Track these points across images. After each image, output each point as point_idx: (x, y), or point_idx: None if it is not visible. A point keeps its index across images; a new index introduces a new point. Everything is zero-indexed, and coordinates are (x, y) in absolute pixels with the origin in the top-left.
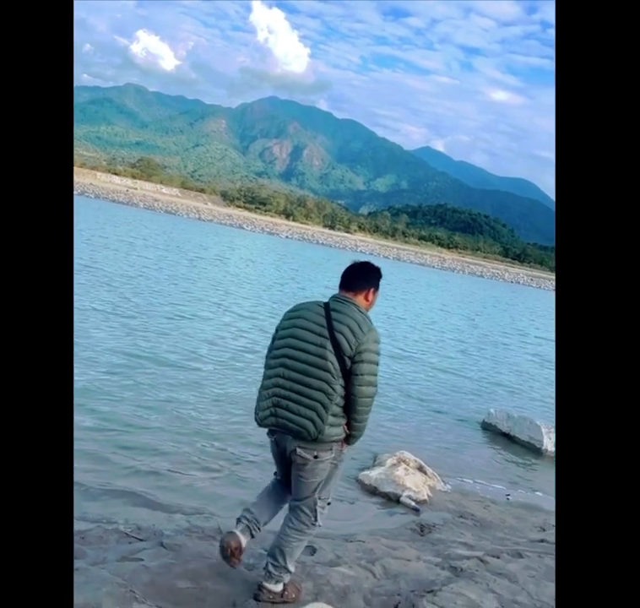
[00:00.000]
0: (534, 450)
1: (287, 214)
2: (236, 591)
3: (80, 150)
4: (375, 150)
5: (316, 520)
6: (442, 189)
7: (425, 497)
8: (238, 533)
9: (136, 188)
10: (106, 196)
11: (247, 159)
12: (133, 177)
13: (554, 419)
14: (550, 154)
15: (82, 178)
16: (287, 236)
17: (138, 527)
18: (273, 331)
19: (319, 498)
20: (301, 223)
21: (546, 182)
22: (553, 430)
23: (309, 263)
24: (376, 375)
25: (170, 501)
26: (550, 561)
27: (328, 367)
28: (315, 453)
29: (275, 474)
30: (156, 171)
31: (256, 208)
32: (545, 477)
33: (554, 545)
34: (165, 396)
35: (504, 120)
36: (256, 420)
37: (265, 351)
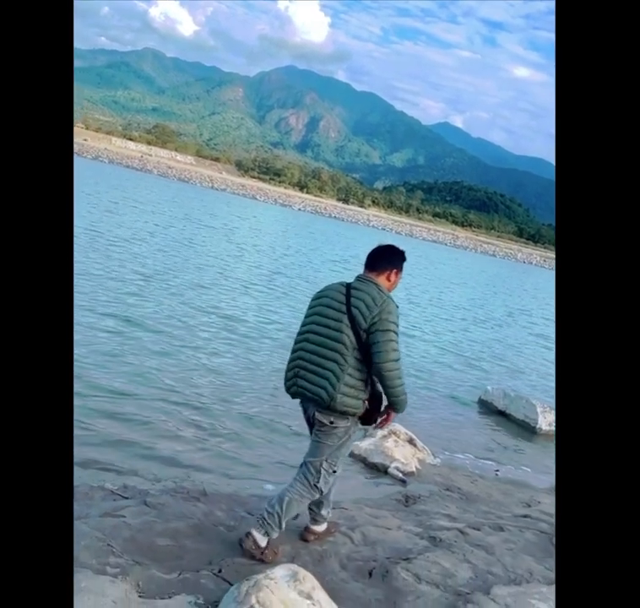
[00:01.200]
0: (529, 429)
1: (301, 186)
2: (215, 550)
3: (96, 115)
4: (392, 124)
5: (318, 481)
6: (458, 166)
7: (414, 469)
8: (312, 527)
9: (151, 155)
10: (120, 161)
11: (263, 128)
12: (149, 144)
13: (551, 399)
14: None
15: (97, 143)
16: (300, 209)
17: (125, 486)
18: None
19: (326, 461)
20: (315, 196)
21: None
22: (548, 409)
23: (318, 236)
24: (394, 341)
25: (150, 469)
26: (531, 536)
27: (343, 340)
28: (331, 420)
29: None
30: (171, 138)
31: (270, 179)
32: (537, 455)
33: (536, 521)
34: (153, 364)
35: (524, 97)
36: (285, 388)
37: (259, 320)
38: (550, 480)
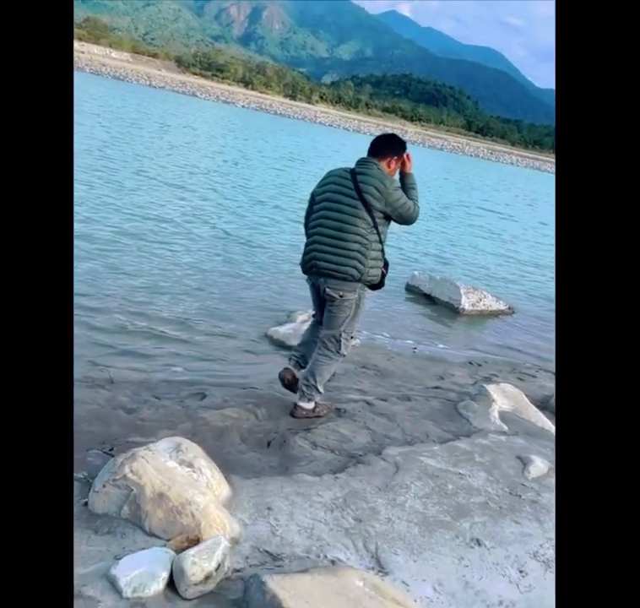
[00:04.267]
0: (453, 309)
1: (246, 83)
2: (110, 432)
3: None
4: (338, 14)
5: (340, 349)
6: (407, 57)
7: None
8: (291, 367)
9: (83, 52)
10: None
11: (203, 21)
12: (80, 39)
13: (476, 283)
14: (520, 22)
15: None
16: (243, 106)
17: None
18: (309, 197)
19: (344, 331)
20: (260, 92)
21: (514, 52)
22: (471, 290)
23: (259, 133)
24: (405, 204)
25: None
26: (436, 404)
27: (361, 224)
28: (341, 293)
29: (314, 316)
30: (105, 33)
31: (213, 75)
32: (458, 333)
33: (446, 391)
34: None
35: None
36: (301, 268)
37: (183, 221)
38: (466, 355)
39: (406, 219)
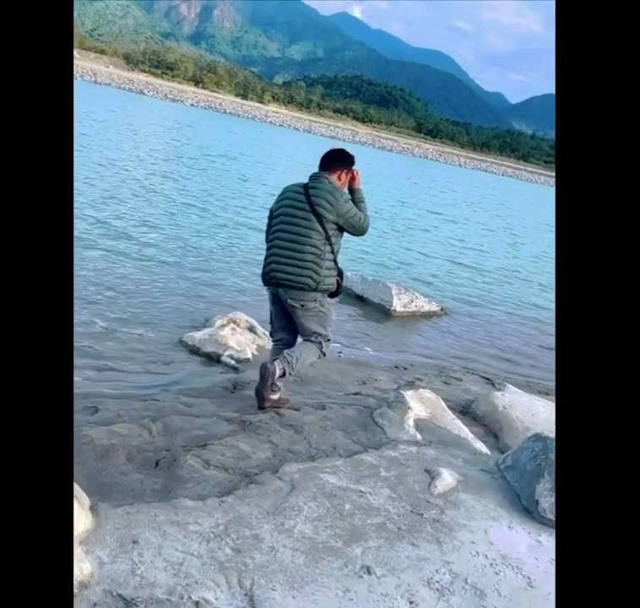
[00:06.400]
0: (384, 311)
1: (196, 81)
2: None
3: None
4: (290, 14)
5: (322, 348)
6: (358, 59)
7: (249, 356)
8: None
9: None
10: None
11: (152, 18)
12: None
13: (402, 281)
14: (468, 27)
15: None
16: (192, 104)
17: None
18: (268, 213)
19: (318, 333)
20: (211, 91)
21: (462, 56)
22: (403, 291)
23: (201, 131)
24: (355, 215)
25: None
26: (352, 412)
27: (314, 236)
28: (302, 303)
29: (271, 331)
30: None
31: (162, 73)
32: (386, 336)
33: (365, 398)
34: None
35: None
36: (262, 280)
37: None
38: (392, 358)
39: (358, 230)
